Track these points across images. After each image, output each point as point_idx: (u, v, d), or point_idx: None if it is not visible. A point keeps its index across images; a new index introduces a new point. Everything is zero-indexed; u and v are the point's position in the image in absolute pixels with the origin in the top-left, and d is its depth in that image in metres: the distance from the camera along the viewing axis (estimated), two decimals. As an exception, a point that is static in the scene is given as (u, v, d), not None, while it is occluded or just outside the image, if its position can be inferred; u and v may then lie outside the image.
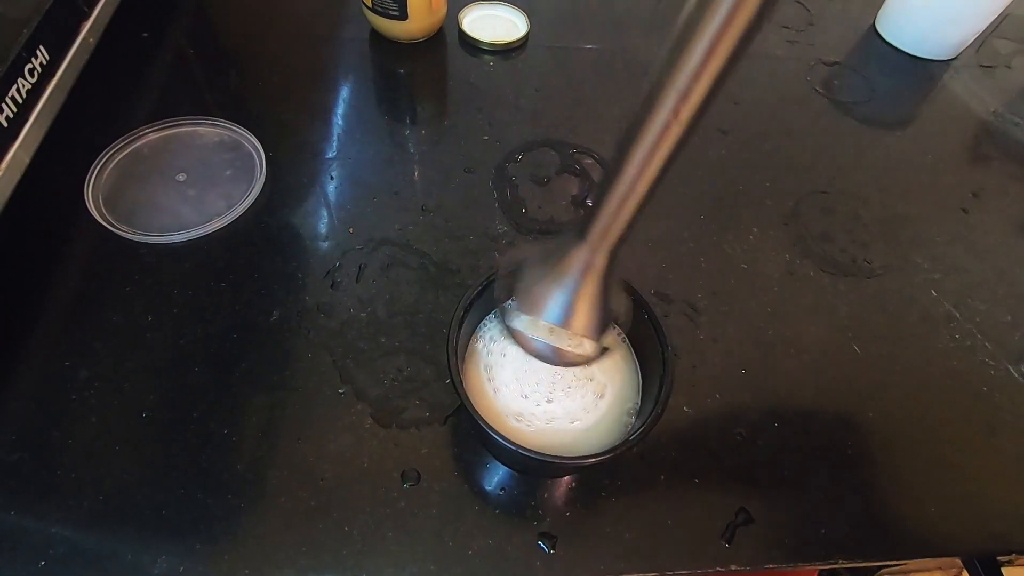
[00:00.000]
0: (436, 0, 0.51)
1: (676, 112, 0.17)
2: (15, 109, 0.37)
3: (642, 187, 0.20)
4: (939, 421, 0.37)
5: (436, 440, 0.33)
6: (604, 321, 0.26)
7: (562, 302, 0.25)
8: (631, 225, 0.22)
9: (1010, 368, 0.40)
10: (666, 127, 0.18)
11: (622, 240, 0.23)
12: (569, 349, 0.26)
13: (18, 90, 0.37)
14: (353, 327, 0.37)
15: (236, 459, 0.32)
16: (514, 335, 0.27)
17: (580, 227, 0.23)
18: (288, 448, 0.32)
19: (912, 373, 0.39)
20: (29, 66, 0.38)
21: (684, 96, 0.17)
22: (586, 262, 0.24)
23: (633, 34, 0.59)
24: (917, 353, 0.40)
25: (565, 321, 0.25)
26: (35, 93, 0.39)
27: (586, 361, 0.27)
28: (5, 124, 0.36)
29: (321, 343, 0.36)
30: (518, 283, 0.27)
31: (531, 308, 0.26)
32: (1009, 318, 0.42)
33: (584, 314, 0.25)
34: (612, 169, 0.21)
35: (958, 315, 0.42)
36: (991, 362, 0.40)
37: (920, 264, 0.45)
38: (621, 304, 0.28)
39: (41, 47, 0.39)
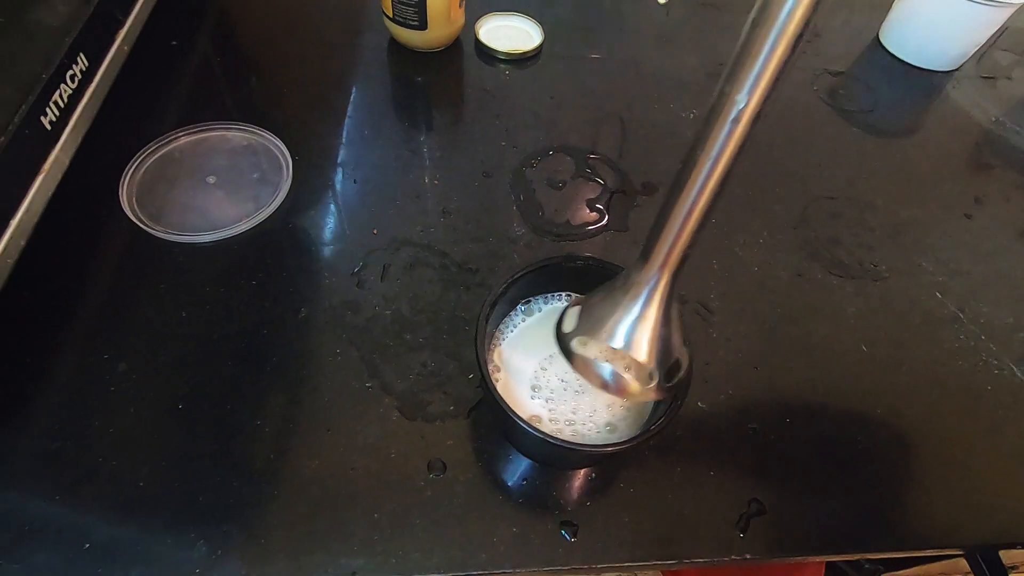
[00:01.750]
0: (454, 11, 0.53)
1: (739, 116, 0.19)
2: (57, 113, 0.38)
3: (703, 201, 0.22)
4: (944, 418, 0.38)
5: (460, 433, 0.35)
6: (665, 353, 0.26)
7: (623, 323, 0.25)
8: (691, 244, 0.23)
9: (1013, 368, 0.41)
10: (729, 134, 0.19)
11: (683, 260, 0.24)
12: (628, 377, 0.26)
13: (60, 95, 0.38)
14: (378, 324, 0.38)
15: (268, 449, 0.33)
16: (573, 360, 0.27)
17: (643, 250, 0.24)
18: (318, 439, 0.34)
19: (918, 372, 0.40)
20: (71, 72, 0.39)
21: (751, 89, 0.18)
22: (648, 283, 0.24)
23: (643, 44, 0.60)
24: (923, 353, 0.41)
25: (626, 343, 0.25)
26: (75, 98, 0.40)
27: (645, 396, 0.26)
28: (48, 128, 0.37)
29: (348, 339, 0.37)
30: (582, 308, 0.27)
31: (591, 330, 0.26)
32: (1012, 320, 0.44)
33: (645, 338, 0.25)
34: (674, 187, 0.22)
35: (962, 316, 0.43)
36: (994, 362, 0.41)
37: (925, 267, 0.46)
38: (683, 352, 0.27)
39: (81, 54, 0.40)
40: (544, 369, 0.33)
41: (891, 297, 0.44)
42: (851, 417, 0.38)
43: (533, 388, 0.32)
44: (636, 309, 0.25)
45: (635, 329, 0.25)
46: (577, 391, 0.32)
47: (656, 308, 0.25)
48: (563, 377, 0.33)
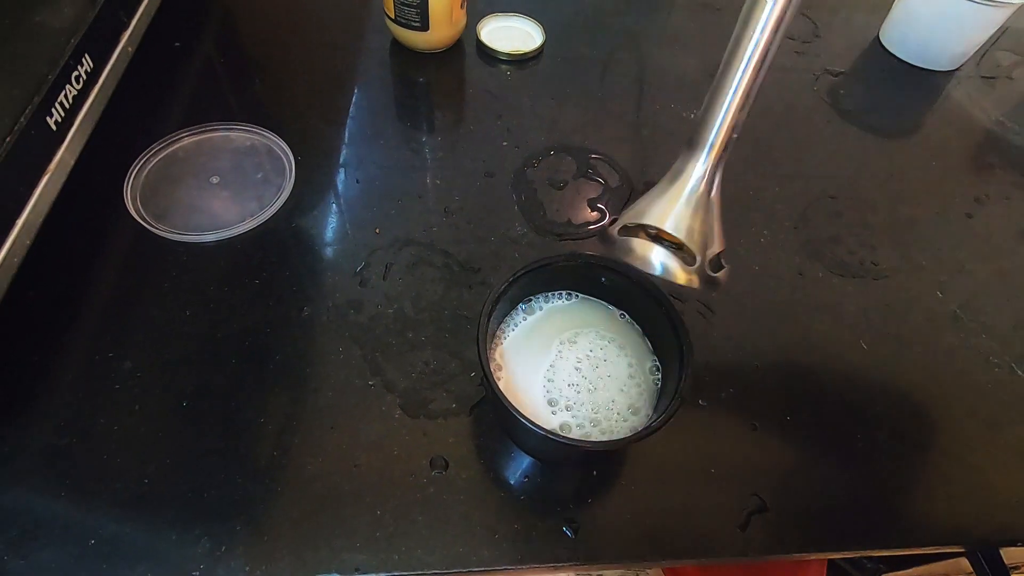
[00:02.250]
0: (456, 12, 0.53)
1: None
2: (63, 114, 0.38)
3: (747, 83, 0.25)
4: (945, 416, 0.39)
5: (462, 430, 0.35)
6: (709, 238, 0.28)
7: (671, 208, 0.27)
8: (735, 128, 0.26)
9: (1013, 366, 0.41)
10: (771, 14, 0.22)
11: (727, 146, 0.26)
12: (675, 260, 0.28)
13: (66, 96, 0.39)
14: (381, 322, 0.38)
15: (272, 446, 0.33)
16: (621, 245, 0.28)
17: (689, 140, 0.27)
18: (322, 436, 0.34)
19: (918, 370, 0.40)
20: (76, 73, 0.40)
21: None
22: (695, 170, 0.27)
23: (644, 44, 0.60)
24: (923, 351, 0.41)
25: (674, 225, 0.27)
26: (80, 99, 0.40)
27: (691, 281, 0.28)
28: (54, 128, 0.38)
29: (351, 337, 0.38)
30: (628, 208, 0.29)
31: (639, 215, 0.28)
32: (1012, 318, 0.44)
33: (691, 222, 0.27)
34: (721, 73, 0.24)
35: (963, 315, 0.43)
36: (995, 360, 0.41)
37: (926, 266, 0.46)
38: (721, 234, 0.29)
39: (86, 55, 0.41)
40: (551, 380, 0.32)
41: (892, 296, 0.44)
42: (852, 415, 0.38)
43: (550, 403, 0.32)
44: (684, 194, 0.27)
45: (682, 213, 0.27)
46: (590, 390, 0.32)
47: (702, 194, 0.27)
48: (572, 382, 0.33)
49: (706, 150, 0.27)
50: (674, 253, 0.28)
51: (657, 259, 0.28)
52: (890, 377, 0.40)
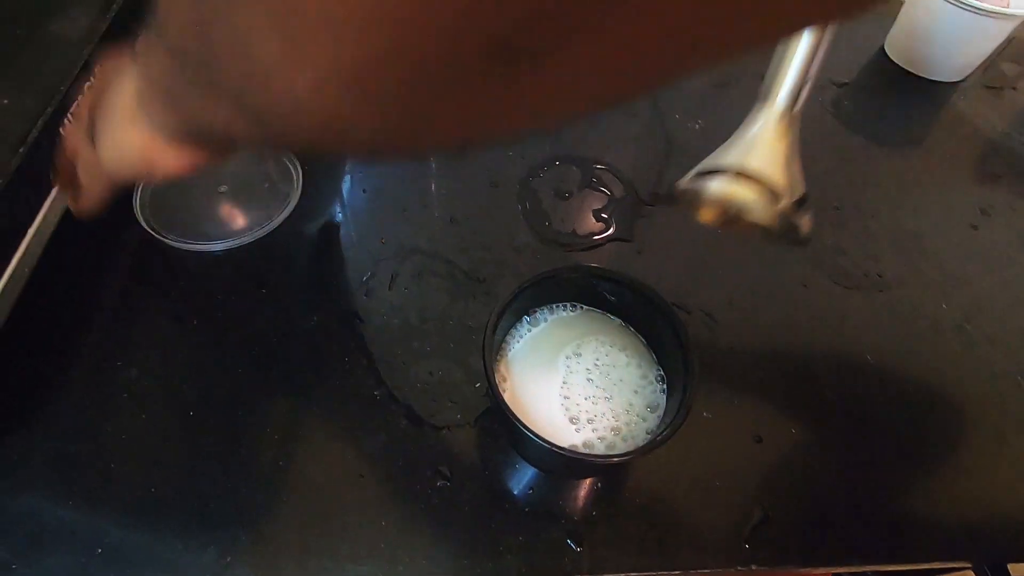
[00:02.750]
0: (463, 23, 0.54)
1: None
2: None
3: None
4: (951, 428, 0.38)
5: (467, 441, 0.35)
6: (794, 176, 0.28)
7: (751, 147, 0.27)
8: (808, 74, 0.26)
9: (1019, 378, 0.41)
10: None
11: (800, 87, 0.26)
12: (763, 201, 0.27)
13: (78, 105, 0.39)
14: (386, 332, 0.39)
15: (277, 455, 0.33)
16: (705, 194, 0.28)
17: (762, 93, 0.27)
18: (327, 446, 0.34)
19: (924, 382, 0.40)
20: (88, 84, 0.40)
21: None
22: (768, 114, 0.27)
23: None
24: (928, 363, 0.41)
25: (756, 164, 0.27)
26: (91, 109, 0.41)
27: (778, 214, 0.27)
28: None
29: (357, 347, 0.38)
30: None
31: (717, 159, 0.28)
32: (1018, 330, 0.43)
33: (766, 156, 0.27)
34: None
35: (968, 327, 0.43)
36: (1000, 372, 0.41)
37: (931, 277, 0.46)
38: (802, 177, 0.29)
39: (98, 65, 0.41)
40: (567, 398, 0.32)
41: (896, 307, 0.44)
42: (856, 427, 0.38)
43: (572, 421, 0.32)
44: (762, 136, 0.27)
45: (762, 153, 0.27)
46: (607, 398, 0.32)
47: (781, 133, 0.27)
48: (587, 394, 0.33)
49: (785, 90, 0.27)
50: (755, 194, 0.27)
51: (736, 195, 0.28)
52: (895, 389, 0.40)
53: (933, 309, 0.44)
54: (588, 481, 0.35)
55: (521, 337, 0.35)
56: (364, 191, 0.46)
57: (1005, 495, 0.36)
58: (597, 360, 0.34)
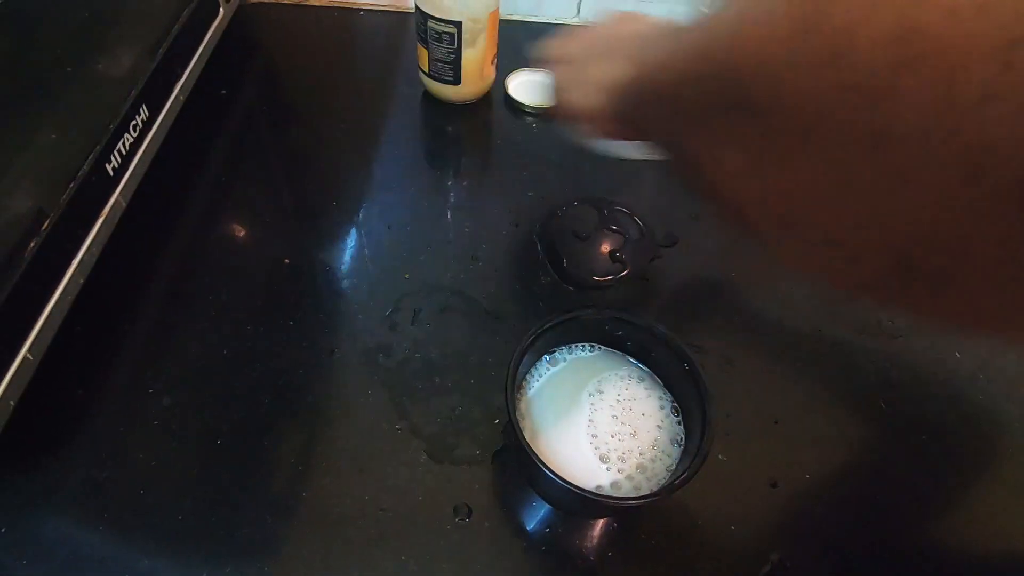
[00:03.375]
0: (487, 68, 0.56)
1: None
2: (120, 160, 0.41)
3: None
4: (967, 479, 0.39)
5: (486, 477, 0.36)
6: None
7: None
8: None
9: (1034, 430, 0.41)
10: None
11: None
12: None
13: (124, 144, 0.41)
14: (409, 367, 0.40)
15: (302, 487, 0.34)
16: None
17: None
18: (351, 479, 0.35)
19: (939, 431, 0.40)
20: (134, 122, 0.42)
21: None
22: None
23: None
24: (943, 412, 0.42)
25: None
26: (135, 145, 0.43)
27: None
28: (111, 173, 0.40)
29: (380, 381, 0.39)
30: None
31: None
32: (1032, 381, 0.44)
33: None
34: None
35: (982, 376, 0.44)
36: (1016, 422, 0.41)
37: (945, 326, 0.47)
38: None
39: (144, 105, 0.44)
40: (595, 436, 0.33)
41: (910, 355, 0.44)
42: (872, 474, 0.38)
43: (602, 459, 0.32)
44: None
45: None
46: (632, 434, 0.33)
47: None
48: (613, 431, 0.33)
49: None
50: None
51: None
52: (910, 437, 0.40)
53: (947, 358, 0.45)
54: (604, 522, 0.35)
55: (540, 376, 0.36)
56: (389, 227, 0.48)
57: None
58: (619, 396, 0.35)
